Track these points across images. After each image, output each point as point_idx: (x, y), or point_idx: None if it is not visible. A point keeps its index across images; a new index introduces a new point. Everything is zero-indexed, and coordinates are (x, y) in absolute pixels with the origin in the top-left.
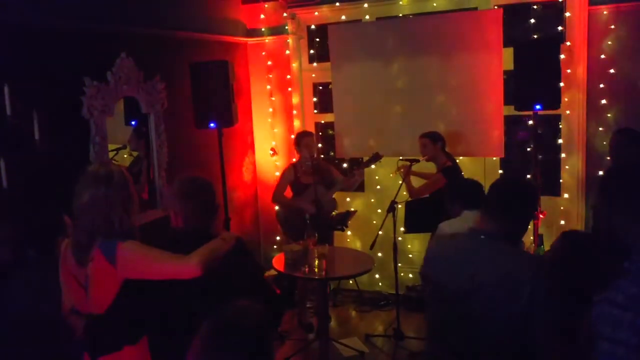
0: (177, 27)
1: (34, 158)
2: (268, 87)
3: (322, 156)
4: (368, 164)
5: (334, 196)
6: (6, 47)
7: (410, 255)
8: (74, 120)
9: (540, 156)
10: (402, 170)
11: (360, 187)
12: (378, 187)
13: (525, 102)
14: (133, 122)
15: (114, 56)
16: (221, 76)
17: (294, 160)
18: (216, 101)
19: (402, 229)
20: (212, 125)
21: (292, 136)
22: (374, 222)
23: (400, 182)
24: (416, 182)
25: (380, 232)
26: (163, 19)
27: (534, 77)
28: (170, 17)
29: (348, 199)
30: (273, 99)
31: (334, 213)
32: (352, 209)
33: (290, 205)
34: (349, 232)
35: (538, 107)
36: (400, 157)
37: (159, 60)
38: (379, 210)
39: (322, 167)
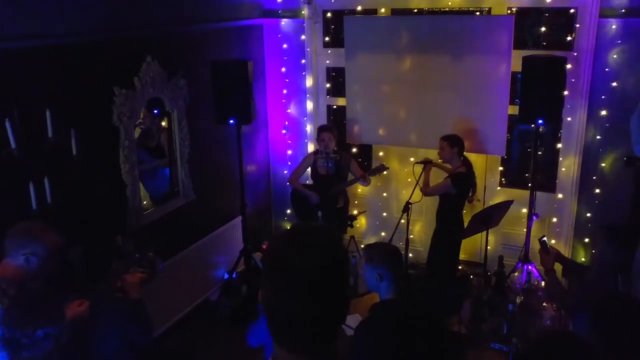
0: (196, 21)
1: (74, 174)
2: (283, 69)
3: (344, 151)
4: (373, 173)
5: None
6: (46, 71)
7: (412, 236)
8: (105, 129)
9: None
10: (427, 165)
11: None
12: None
13: (528, 115)
14: (155, 111)
15: (139, 61)
16: (241, 75)
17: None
18: (236, 99)
19: None
20: (231, 122)
21: (304, 118)
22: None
23: (422, 171)
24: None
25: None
26: (181, 15)
27: (538, 93)
28: (188, 11)
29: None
30: (287, 80)
31: (340, 205)
32: (363, 210)
33: (300, 191)
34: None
35: (540, 121)
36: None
37: (180, 57)
38: (385, 194)
39: (341, 164)
